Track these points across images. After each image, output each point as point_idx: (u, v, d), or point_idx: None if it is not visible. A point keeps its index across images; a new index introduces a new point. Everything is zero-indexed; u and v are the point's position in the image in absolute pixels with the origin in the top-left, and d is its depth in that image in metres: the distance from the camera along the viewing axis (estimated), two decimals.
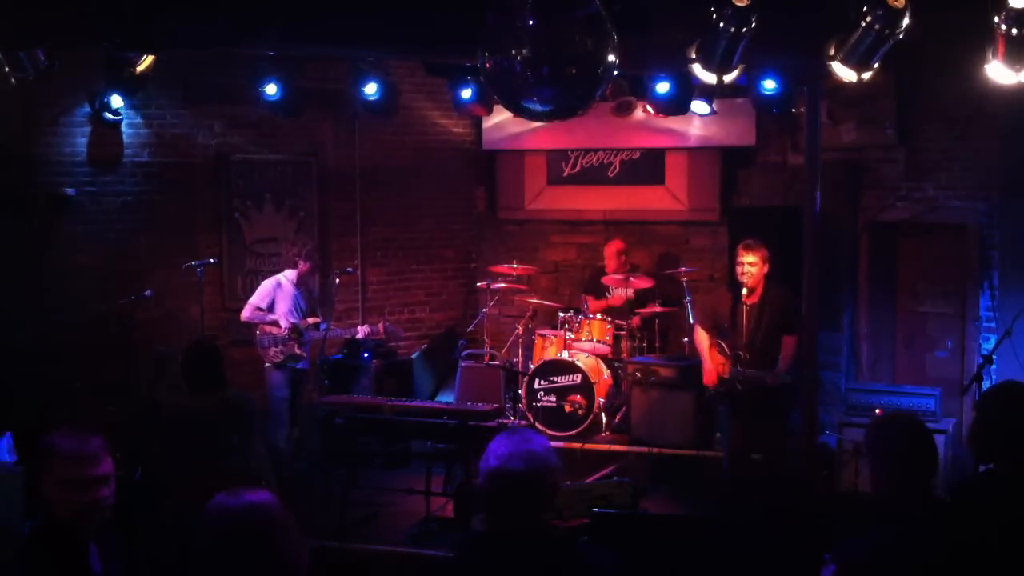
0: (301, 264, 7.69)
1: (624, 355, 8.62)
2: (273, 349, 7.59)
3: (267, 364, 7.61)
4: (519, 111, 4.41)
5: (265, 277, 7.95)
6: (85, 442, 3.08)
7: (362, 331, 7.83)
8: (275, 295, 7.65)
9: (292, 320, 7.60)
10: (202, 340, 5.44)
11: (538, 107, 4.18)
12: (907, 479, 3.12)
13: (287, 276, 7.71)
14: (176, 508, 5.52)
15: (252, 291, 8.08)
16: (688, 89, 7.67)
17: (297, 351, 7.61)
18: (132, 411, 6.83)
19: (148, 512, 5.47)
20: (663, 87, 7.60)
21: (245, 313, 7.66)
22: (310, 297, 7.86)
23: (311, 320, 7.70)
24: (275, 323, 7.58)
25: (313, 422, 7.64)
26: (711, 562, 3.95)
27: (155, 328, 7.96)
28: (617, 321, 8.62)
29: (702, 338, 7.03)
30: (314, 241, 8.47)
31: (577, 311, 8.76)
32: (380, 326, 7.82)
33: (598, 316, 8.63)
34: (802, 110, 7.51)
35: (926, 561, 2.94)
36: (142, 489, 5.49)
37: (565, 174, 9.78)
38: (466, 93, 8.40)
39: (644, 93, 8.02)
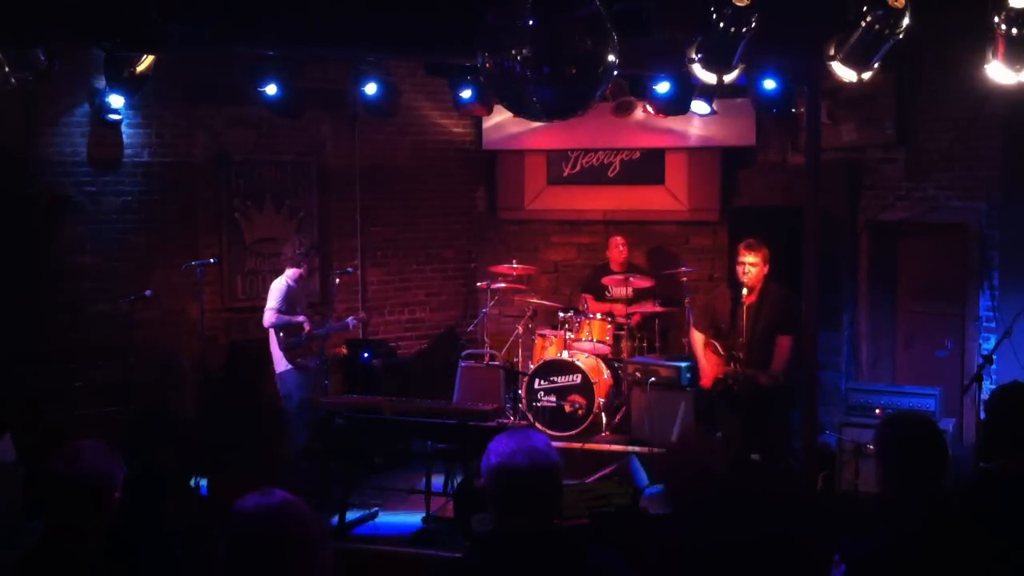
0: (305, 265, 7.64)
1: (624, 355, 8.62)
2: (299, 350, 7.54)
3: (286, 368, 7.45)
4: (519, 111, 4.41)
5: (265, 277, 7.90)
6: (114, 468, 2.97)
7: (352, 322, 7.94)
8: (292, 297, 7.52)
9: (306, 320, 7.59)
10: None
11: (538, 107, 4.18)
12: (917, 478, 3.11)
13: (291, 276, 7.59)
14: (182, 508, 5.55)
15: (252, 291, 8.04)
16: (688, 89, 7.66)
17: (315, 350, 7.61)
18: (135, 412, 6.83)
19: (151, 513, 5.49)
20: (663, 87, 7.58)
21: (271, 319, 7.38)
22: (306, 296, 7.88)
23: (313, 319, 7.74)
24: (299, 325, 7.51)
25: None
26: (712, 562, 3.94)
27: (155, 328, 7.95)
28: (617, 320, 8.63)
29: (697, 340, 7.05)
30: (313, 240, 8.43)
31: (577, 311, 8.76)
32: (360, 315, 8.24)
33: (598, 316, 8.63)
34: (802, 110, 7.52)
35: (933, 560, 2.94)
36: (143, 490, 5.49)
37: (565, 174, 9.77)
38: (466, 93, 8.39)
39: (644, 93, 8.00)
